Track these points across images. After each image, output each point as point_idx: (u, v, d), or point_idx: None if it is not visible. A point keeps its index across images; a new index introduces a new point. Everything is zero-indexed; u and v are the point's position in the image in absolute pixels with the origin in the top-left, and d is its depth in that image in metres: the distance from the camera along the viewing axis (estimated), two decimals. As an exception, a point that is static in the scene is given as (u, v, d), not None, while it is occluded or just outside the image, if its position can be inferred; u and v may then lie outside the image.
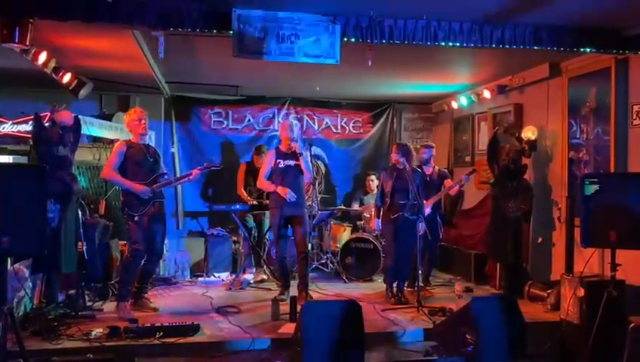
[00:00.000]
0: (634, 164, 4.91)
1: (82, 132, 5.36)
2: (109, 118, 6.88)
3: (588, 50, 4.79)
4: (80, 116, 5.31)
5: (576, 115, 5.61)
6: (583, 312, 4.38)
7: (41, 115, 5.00)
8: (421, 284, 5.65)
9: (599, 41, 4.69)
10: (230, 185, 7.21)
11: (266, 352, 4.26)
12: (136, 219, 4.90)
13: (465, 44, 4.44)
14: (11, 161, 6.29)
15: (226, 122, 8.08)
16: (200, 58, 5.83)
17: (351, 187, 8.29)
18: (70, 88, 5.99)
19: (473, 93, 7.29)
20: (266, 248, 6.86)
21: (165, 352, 4.12)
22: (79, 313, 4.79)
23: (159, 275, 6.69)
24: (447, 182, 6.39)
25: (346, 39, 4.28)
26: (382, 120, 8.59)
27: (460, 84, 7.24)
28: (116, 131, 6.47)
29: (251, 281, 6.57)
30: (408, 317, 5.00)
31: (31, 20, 4.05)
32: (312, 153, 7.79)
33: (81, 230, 5.17)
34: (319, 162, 8.25)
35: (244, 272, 6.74)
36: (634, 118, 4.94)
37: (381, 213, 5.77)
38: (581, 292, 4.40)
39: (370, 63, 4.48)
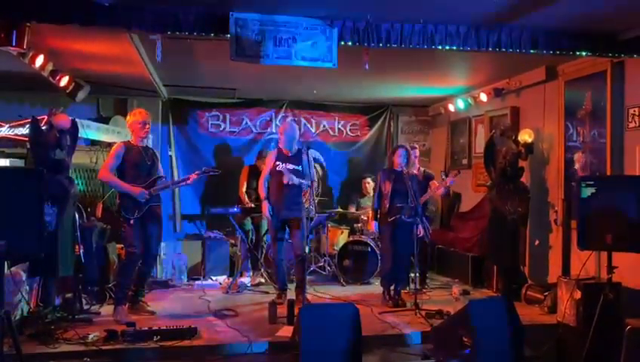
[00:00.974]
0: (630, 167, 4.93)
1: (79, 135, 5.34)
2: (106, 121, 6.88)
3: (584, 53, 4.81)
4: (77, 119, 5.30)
5: (573, 117, 5.64)
6: (579, 315, 4.39)
7: (39, 118, 4.99)
8: (417, 287, 5.65)
9: (595, 44, 4.71)
10: (227, 188, 7.21)
11: (264, 355, 4.26)
12: (131, 222, 4.89)
13: (461, 48, 4.46)
14: (8, 164, 6.28)
15: (223, 125, 8.09)
16: (197, 61, 5.84)
17: (348, 190, 8.29)
18: (67, 91, 5.99)
19: (470, 96, 7.32)
20: (264, 251, 6.85)
21: (163, 356, 4.12)
22: (76, 316, 4.80)
23: (156, 278, 6.69)
24: (433, 183, 6.39)
25: (343, 43, 4.29)
26: (379, 123, 8.61)
27: (457, 87, 7.26)
28: (113, 134, 6.46)
29: (249, 284, 6.57)
30: (406, 320, 5.00)
31: (28, 24, 4.05)
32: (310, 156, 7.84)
33: (78, 233, 5.16)
34: (316, 165, 8.25)
35: (241, 275, 6.74)
36: (630, 120, 4.96)
37: (379, 216, 5.78)
38: (578, 294, 4.42)
39: (367, 67, 4.49)
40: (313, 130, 8.40)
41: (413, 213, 5.49)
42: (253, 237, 6.98)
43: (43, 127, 4.99)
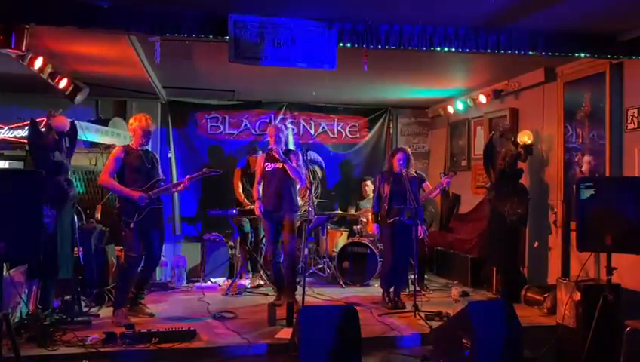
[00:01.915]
0: (629, 168, 4.93)
1: (78, 137, 5.34)
2: (105, 123, 6.88)
3: (582, 55, 4.82)
4: (76, 121, 5.31)
5: (572, 119, 5.64)
6: (579, 316, 4.38)
7: (37, 120, 4.99)
8: (417, 288, 5.64)
9: (594, 45, 4.71)
10: (227, 190, 7.21)
11: (263, 358, 4.25)
12: (131, 226, 4.88)
13: (460, 49, 4.46)
14: (7, 166, 6.28)
15: (222, 127, 8.10)
16: (196, 63, 5.84)
17: (347, 192, 8.29)
18: (66, 93, 5.98)
19: (469, 97, 7.32)
20: (263, 253, 6.85)
21: (161, 358, 4.11)
22: (75, 319, 4.78)
23: (155, 281, 6.67)
24: (426, 185, 6.38)
25: (342, 44, 4.30)
26: (378, 125, 8.62)
27: (456, 89, 7.27)
28: (113, 136, 6.46)
29: (248, 286, 6.56)
30: (405, 322, 5.00)
31: (27, 26, 4.05)
32: (309, 158, 7.82)
33: (77, 235, 5.16)
34: (316, 167, 8.27)
35: (240, 277, 6.73)
36: (629, 122, 4.97)
37: (378, 218, 5.78)
38: (577, 296, 4.41)
39: (366, 69, 4.50)
40: (312, 132, 8.41)
41: (413, 215, 5.49)
42: (252, 239, 6.98)
43: (42, 130, 4.98)
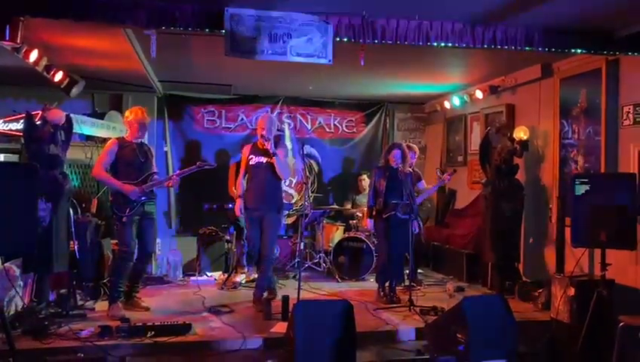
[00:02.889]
0: (624, 165, 4.94)
1: (74, 130, 5.32)
2: (101, 116, 6.86)
3: (579, 51, 4.82)
4: (72, 115, 5.28)
5: (568, 115, 5.65)
6: (573, 311, 4.41)
7: (33, 113, 4.97)
8: (412, 283, 5.66)
9: (590, 42, 4.71)
10: (223, 184, 7.18)
11: (258, 352, 4.26)
12: (124, 220, 4.87)
13: (456, 45, 4.46)
14: (2, 159, 6.26)
15: (219, 121, 8.08)
16: (193, 57, 5.82)
17: (344, 186, 8.30)
18: (62, 87, 5.95)
19: (466, 93, 7.32)
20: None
21: (157, 351, 4.11)
22: (70, 312, 4.78)
23: (151, 274, 6.67)
24: (423, 183, 6.39)
25: (338, 39, 4.29)
26: (375, 119, 8.61)
27: (453, 85, 7.26)
28: (109, 130, 6.45)
29: (243, 281, 6.56)
30: (400, 317, 5.01)
31: (22, 18, 4.02)
32: (305, 152, 7.83)
33: (73, 229, 5.15)
34: (312, 161, 8.27)
35: (236, 272, 6.73)
36: (624, 118, 4.98)
37: (374, 213, 5.79)
38: (571, 291, 4.44)
39: (362, 63, 4.49)
40: (309, 127, 8.39)
41: (408, 210, 5.50)
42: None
43: (37, 122, 4.96)
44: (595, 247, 4.58)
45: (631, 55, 4.76)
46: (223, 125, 8.09)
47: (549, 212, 5.87)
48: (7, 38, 4.00)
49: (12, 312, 4.48)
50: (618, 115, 5.04)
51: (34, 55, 5.08)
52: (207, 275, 6.93)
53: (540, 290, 5.33)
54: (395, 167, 5.61)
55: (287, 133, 8.20)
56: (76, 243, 5.19)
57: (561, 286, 4.58)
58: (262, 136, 5.20)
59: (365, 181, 7.52)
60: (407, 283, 5.80)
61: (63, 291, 5.03)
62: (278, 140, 5.43)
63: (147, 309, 5.10)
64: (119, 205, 4.89)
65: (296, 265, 6.00)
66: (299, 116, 8.36)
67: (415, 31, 4.35)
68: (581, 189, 4.58)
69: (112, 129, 6.48)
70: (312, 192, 8.03)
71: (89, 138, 6.45)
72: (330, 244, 7.17)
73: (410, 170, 5.98)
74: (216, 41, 4.32)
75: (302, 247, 5.77)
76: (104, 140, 6.19)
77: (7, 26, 3.96)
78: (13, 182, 3.16)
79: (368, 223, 5.95)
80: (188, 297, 5.85)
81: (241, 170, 5.50)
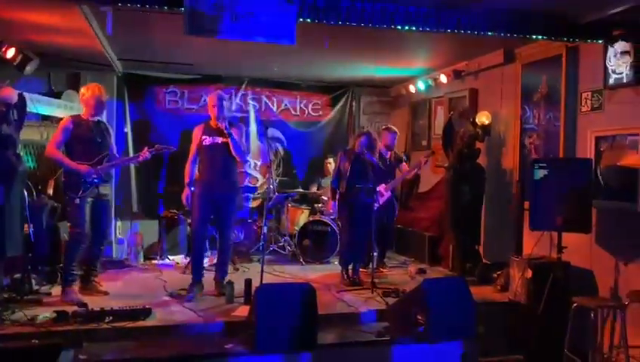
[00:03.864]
0: (582, 150, 5.05)
1: (28, 110, 5.11)
2: (58, 95, 6.62)
3: (540, 37, 4.87)
4: (26, 93, 5.06)
5: (529, 100, 5.73)
6: (530, 293, 4.53)
7: (-17, 91, 4.74)
8: (376, 266, 5.71)
9: (551, 28, 4.75)
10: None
11: (219, 335, 4.22)
12: (77, 201, 4.73)
13: (421, 29, 4.43)
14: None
15: (181, 102, 7.92)
16: (153, 34, 5.64)
17: (309, 170, 8.27)
18: (15, 64, 5.71)
19: (430, 77, 7.35)
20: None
21: (115, 337, 4.03)
22: (25, 297, 4.65)
23: (112, 258, 6.54)
24: (404, 166, 6.45)
25: (301, 20, 4.21)
26: (341, 103, 8.58)
27: (418, 69, 7.28)
28: (66, 109, 6.24)
29: (206, 265, 6.48)
30: (362, 299, 5.05)
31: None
32: (270, 135, 7.74)
33: (27, 212, 4.96)
34: (278, 144, 8.20)
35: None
36: (582, 104, 5.08)
37: (337, 196, 5.80)
38: (529, 273, 4.55)
39: (327, 46, 4.44)
40: (274, 109, 8.31)
41: (372, 194, 5.52)
42: (212, 217, 6.88)
43: (-13, 101, 4.74)
44: (551, 231, 4.71)
45: (590, 42, 4.84)
46: (186, 106, 7.93)
47: (509, 196, 5.98)
48: (-47, 11, 3.80)
49: (-37, 298, 4.33)
50: (577, 101, 5.13)
51: (-17, 30, 4.85)
52: (169, 259, 6.83)
53: (499, 272, 5.44)
54: (359, 151, 5.62)
55: (252, 115, 8.10)
56: (31, 226, 5.02)
57: (519, 268, 4.69)
58: (215, 115, 4.97)
59: (331, 164, 7.50)
60: (370, 266, 5.83)
61: (17, 275, 4.87)
62: (231, 125, 5.12)
63: (106, 293, 5.00)
64: (72, 186, 4.74)
65: (260, 249, 5.96)
66: (264, 98, 8.25)
67: (380, 14, 4.29)
68: (540, 174, 4.68)
69: (69, 108, 6.26)
70: (277, 175, 7.97)
71: (45, 118, 6.23)
72: (295, 228, 7.16)
73: (392, 152, 6.00)
74: (177, 19, 4.17)
75: (265, 231, 5.72)
76: (60, 120, 5.98)
77: (-48, -2, 3.76)
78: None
79: (331, 206, 5.95)
80: (149, 281, 5.76)
81: (191, 153, 5.13)
